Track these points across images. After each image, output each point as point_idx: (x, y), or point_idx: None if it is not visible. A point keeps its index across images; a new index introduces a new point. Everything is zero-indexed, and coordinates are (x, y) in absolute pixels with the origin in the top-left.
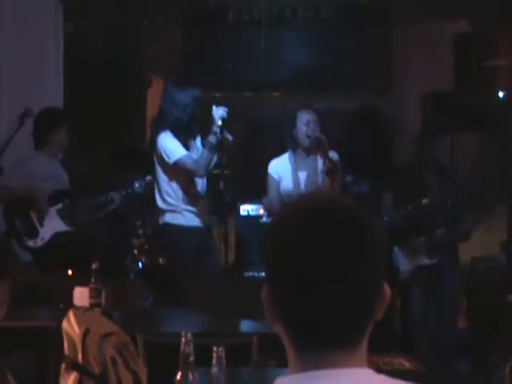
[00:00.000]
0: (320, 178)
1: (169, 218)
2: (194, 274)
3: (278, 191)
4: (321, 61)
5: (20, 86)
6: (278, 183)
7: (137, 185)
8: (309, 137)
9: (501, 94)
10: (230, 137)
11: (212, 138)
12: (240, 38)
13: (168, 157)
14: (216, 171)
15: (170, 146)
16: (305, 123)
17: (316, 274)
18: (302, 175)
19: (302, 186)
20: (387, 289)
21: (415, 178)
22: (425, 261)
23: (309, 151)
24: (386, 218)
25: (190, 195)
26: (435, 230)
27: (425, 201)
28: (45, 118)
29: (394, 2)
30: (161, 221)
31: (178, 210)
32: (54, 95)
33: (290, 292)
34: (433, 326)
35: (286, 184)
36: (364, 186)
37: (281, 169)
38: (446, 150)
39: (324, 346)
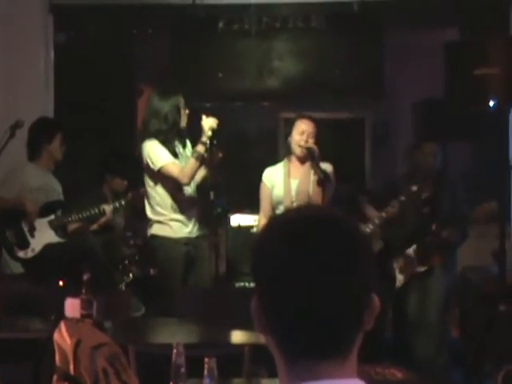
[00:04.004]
0: (311, 188)
1: (156, 229)
2: (184, 285)
3: (271, 199)
4: (311, 70)
5: (10, 97)
6: (271, 191)
7: (129, 196)
8: (300, 146)
9: (492, 103)
10: (220, 154)
11: (200, 148)
12: (230, 48)
13: (153, 163)
14: (206, 181)
15: (155, 152)
16: (299, 132)
17: (305, 285)
18: (294, 183)
19: (293, 194)
20: (376, 299)
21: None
22: (417, 268)
23: (302, 160)
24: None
25: (179, 203)
26: (426, 237)
27: (414, 188)
28: (39, 129)
29: (385, 10)
30: (149, 232)
31: (165, 221)
32: (44, 105)
33: (278, 304)
34: (425, 333)
35: (278, 191)
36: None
37: (274, 176)
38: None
39: (313, 358)
